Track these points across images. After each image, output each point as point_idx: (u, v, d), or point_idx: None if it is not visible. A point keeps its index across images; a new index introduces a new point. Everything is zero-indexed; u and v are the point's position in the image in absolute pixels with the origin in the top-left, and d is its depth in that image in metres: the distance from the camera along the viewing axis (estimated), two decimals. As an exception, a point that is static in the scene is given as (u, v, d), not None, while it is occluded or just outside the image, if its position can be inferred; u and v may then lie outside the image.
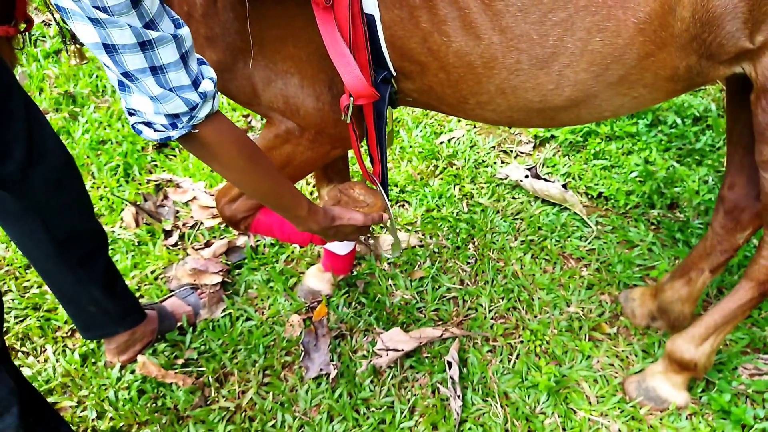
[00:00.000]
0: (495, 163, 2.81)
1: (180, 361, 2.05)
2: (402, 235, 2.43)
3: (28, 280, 2.34)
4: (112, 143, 2.95)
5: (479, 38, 1.33)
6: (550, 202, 2.56)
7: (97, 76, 3.39)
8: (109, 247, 2.28)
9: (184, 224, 2.57)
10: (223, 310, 2.21)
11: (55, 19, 1.42)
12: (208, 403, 1.94)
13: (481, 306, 2.18)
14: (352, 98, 1.38)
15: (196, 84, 1.06)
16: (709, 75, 1.36)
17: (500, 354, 2.03)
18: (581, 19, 1.27)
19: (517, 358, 2.02)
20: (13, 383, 1.33)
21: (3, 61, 1.37)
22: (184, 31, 1.02)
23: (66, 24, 1.25)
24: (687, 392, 1.84)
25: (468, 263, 2.34)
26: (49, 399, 1.94)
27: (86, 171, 2.80)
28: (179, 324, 2.15)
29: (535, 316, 2.13)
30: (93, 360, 2.06)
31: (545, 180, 2.63)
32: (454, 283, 2.26)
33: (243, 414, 1.91)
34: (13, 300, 2.25)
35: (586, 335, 2.07)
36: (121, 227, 2.55)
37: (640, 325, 2.07)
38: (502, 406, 1.88)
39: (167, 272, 2.36)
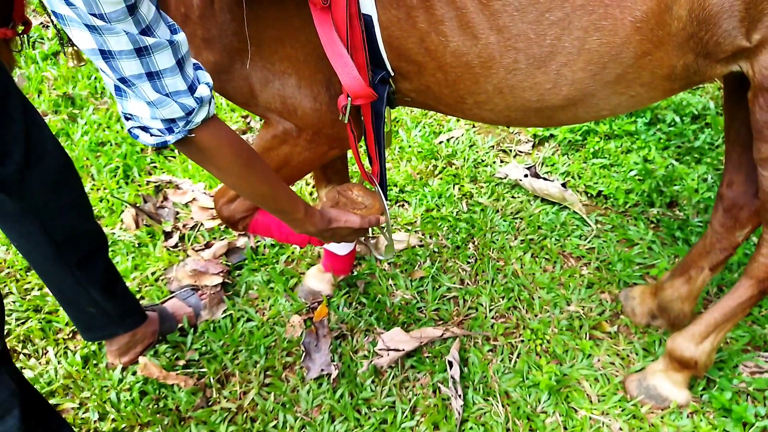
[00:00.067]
0: (494, 162, 2.81)
1: (181, 363, 2.05)
2: (402, 235, 2.44)
3: (29, 283, 2.34)
4: (111, 145, 2.95)
5: (476, 38, 1.33)
6: (550, 201, 2.56)
7: (95, 78, 3.40)
8: (110, 249, 2.28)
9: (184, 225, 2.57)
10: (224, 311, 2.21)
11: (52, 21, 1.42)
12: (210, 404, 1.95)
13: (482, 305, 2.18)
14: (349, 98, 1.39)
15: (192, 89, 1.06)
16: (707, 73, 1.36)
17: (501, 353, 2.03)
18: (578, 18, 1.27)
19: (517, 357, 2.02)
20: (14, 385, 1.33)
21: (1, 64, 1.37)
22: (180, 37, 1.02)
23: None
24: (688, 390, 1.84)
25: (468, 263, 2.34)
26: (51, 401, 1.95)
27: (86, 173, 2.80)
28: (180, 325, 2.15)
29: (536, 315, 2.14)
30: (94, 362, 2.06)
31: (544, 179, 2.63)
32: (454, 283, 2.26)
33: (244, 415, 1.91)
34: (14, 302, 2.25)
35: (586, 334, 2.07)
36: (121, 229, 2.55)
37: (641, 324, 2.07)
38: (503, 406, 1.88)
39: (168, 274, 2.36)
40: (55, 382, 2.00)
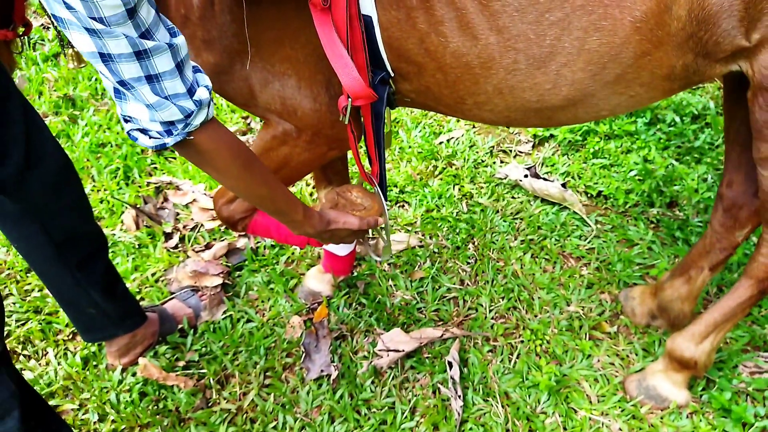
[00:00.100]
0: (494, 162, 2.81)
1: (181, 364, 2.05)
2: (402, 236, 2.44)
3: (29, 284, 2.34)
4: (111, 146, 2.95)
5: (476, 38, 1.33)
6: (550, 202, 2.56)
7: (96, 79, 3.40)
8: (110, 250, 2.29)
9: (184, 226, 2.57)
10: (224, 312, 2.21)
11: (53, 22, 1.42)
12: (210, 405, 1.95)
13: (482, 306, 2.18)
14: (350, 99, 1.39)
15: (191, 92, 1.07)
16: (706, 73, 1.36)
17: (501, 354, 2.03)
18: (578, 18, 1.27)
19: (517, 357, 2.02)
20: (14, 386, 1.34)
21: (1, 65, 1.37)
22: (180, 40, 1.03)
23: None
24: (687, 391, 1.84)
25: (468, 263, 2.34)
26: (51, 402, 1.95)
27: (86, 174, 2.80)
28: (180, 326, 2.15)
29: (536, 316, 2.14)
30: (94, 363, 2.06)
31: (544, 179, 2.63)
32: (454, 284, 2.26)
33: (244, 416, 1.91)
34: (14, 303, 2.25)
35: (586, 334, 2.07)
36: (121, 230, 2.55)
37: (640, 324, 2.07)
38: (502, 406, 1.88)
39: (168, 275, 2.36)
40: (54, 384, 2.00)
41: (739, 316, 1.70)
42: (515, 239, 2.42)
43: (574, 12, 1.26)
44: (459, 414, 1.84)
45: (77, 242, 1.73)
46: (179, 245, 2.50)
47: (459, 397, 1.88)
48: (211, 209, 2.60)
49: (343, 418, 1.87)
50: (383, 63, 1.42)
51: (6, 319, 2.20)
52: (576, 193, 2.60)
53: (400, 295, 2.23)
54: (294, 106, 1.49)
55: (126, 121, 1.09)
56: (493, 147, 2.90)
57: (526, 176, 2.64)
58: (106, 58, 0.95)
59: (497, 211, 2.55)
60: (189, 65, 1.08)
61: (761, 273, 1.61)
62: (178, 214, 2.64)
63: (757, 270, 1.61)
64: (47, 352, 2.11)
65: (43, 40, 3.72)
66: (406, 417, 1.87)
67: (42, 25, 3.83)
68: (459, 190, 2.66)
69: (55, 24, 1.07)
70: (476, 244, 2.42)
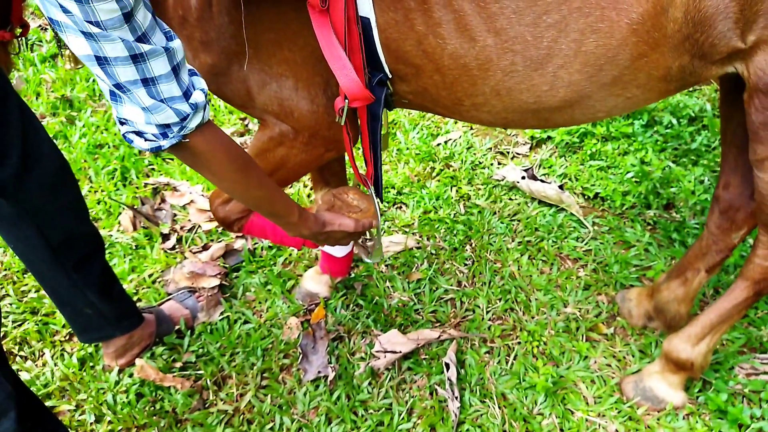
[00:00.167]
0: (492, 164, 2.81)
1: (178, 365, 2.05)
2: (399, 237, 2.44)
3: (26, 285, 2.34)
4: (109, 147, 2.95)
5: (474, 40, 1.33)
6: (547, 203, 2.57)
7: (93, 81, 3.39)
8: (107, 251, 2.28)
9: (181, 227, 2.57)
10: (221, 313, 2.21)
11: (50, 24, 1.42)
12: (207, 406, 1.95)
13: (479, 307, 2.18)
14: (347, 100, 1.39)
15: (187, 95, 1.07)
16: (702, 75, 1.37)
17: (498, 355, 2.03)
18: (575, 20, 1.27)
19: (514, 359, 2.02)
20: (11, 387, 1.33)
21: (-1, 66, 1.37)
22: (176, 43, 1.03)
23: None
24: (684, 392, 1.84)
25: (465, 265, 2.35)
26: (48, 403, 1.94)
27: (83, 175, 2.80)
28: (177, 327, 2.15)
29: (533, 317, 2.14)
30: (91, 364, 2.06)
31: (542, 181, 2.63)
32: (451, 285, 2.27)
33: (241, 417, 1.91)
34: (11, 304, 2.25)
35: (583, 336, 2.07)
36: (118, 231, 2.55)
37: (637, 326, 2.07)
38: (499, 407, 1.88)
39: (165, 276, 2.36)
40: (51, 384, 2.00)
41: (735, 318, 1.70)
42: (512, 241, 2.43)
43: (571, 14, 1.27)
44: (456, 415, 1.84)
45: (74, 243, 1.72)
46: (176, 246, 2.50)
47: (456, 398, 1.88)
48: (209, 210, 2.60)
49: (340, 419, 1.87)
50: (381, 64, 1.42)
51: (3, 320, 2.20)
52: (573, 194, 2.60)
53: (397, 296, 2.24)
54: (291, 107, 1.50)
55: (122, 123, 1.09)
56: (490, 149, 2.91)
57: (523, 178, 2.65)
58: (102, 61, 0.95)
59: (494, 213, 2.55)
60: (185, 68, 1.08)
61: (757, 275, 1.61)
62: (175, 215, 2.63)
63: (753, 272, 1.62)
64: (44, 353, 2.10)
65: (40, 41, 3.71)
66: (403, 418, 1.87)
67: (40, 26, 3.83)
68: (456, 191, 2.67)
69: (53, 26, 1.07)
70: (473, 245, 2.42)
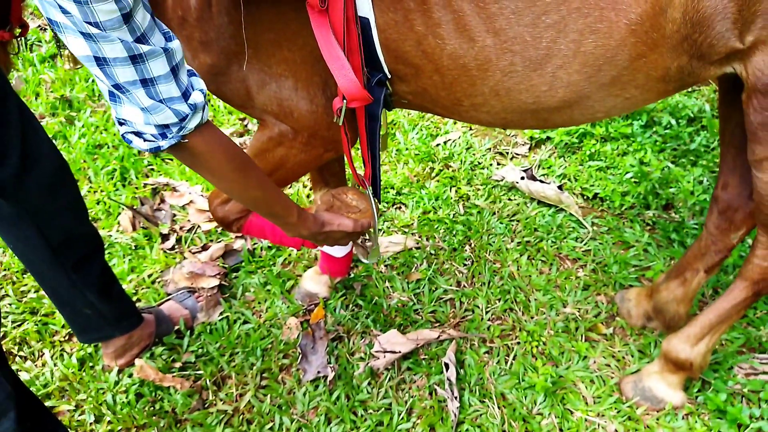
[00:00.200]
0: (491, 165, 2.81)
1: (177, 365, 2.05)
2: (399, 238, 2.44)
3: (26, 285, 2.34)
4: (108, 147, 2.95)
5: (473, 41, 1.34)
6: (546, 204, 2.57)
7: (92, 81, 3.40)
8: (106, 251, 2.29)
9: (181, 228, 2.57)
10: (221, 314, 2.21)
11: (49, 25, 1.42)
12: (206, 406, 1.95)
13: (478, 307, 2.18)
14: (345, 101, 1.39)
15: (186, 95, 1.07)
16: (701, 75, 1.37)
17: (497, 355, 2.03)
18: (574, 20, 1.28)
19: (513, 359, 2.02)
20: (10, 388, 1.33)
21: (-2, 67, 1.37)
22: (175, 44, 1.03)
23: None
24: (683, 392, 1.84)
25: (464, 265, 2.35)
26: (47, 403, 1.94)
27: (83, 175, 2.80)
28: (176, 327, 2.15)
29: (532, 317, 2.14)
30: (91, 364, 2.06)
31: (541, 181, 2.64)
32: (450, 285, 2.27)
33: (241, 417, 1.91)
34: (10, 304, 2.25)
35: (582, 336, 2.07)
36: (118, 231, 2.55)
37: (636, 326, 2.07)
38: (499, 407, 1.89)
39: (164, 276, 2.36)
40: (51, 385, 2.00)
41: (734, 318, 1.71)
42: (512, 241, 2.43)
43: (570, 15, 1.27)
44: (455, 415, 1.84)
45: (73, 244, 1.72)
46: (176, 246, 2.50)
47: (455, 398, 1.88)
48: (208, 210, 2.60)
49: (339, 419, 1.87)
50: (380, 65, 1.42)
51: (2, 320, 2.20)
52: (572, 195, 2.61)
53: (396, 296, 2.24)
54: (291, 107, 1.50)
55: (121, 124, 1.09)
56: (489, 149, 2.91)
57: (522, 178, 2.65)
58: (101, 61, 0.95)
59: (494, 213, 2.55)
60: (184, 69, 1.08)
61: (756, 275, 1.61)
62: (174, 215, 2.63)
63: (752, 272, 1.62)
64: (43, 353, 2.10)
65: (39, 42, 3.71)
66: (402, 418, 1.87)
67: (39, 26, 3.83)
68: (456, 192, 2.67)
69: (52, 26, 1.08)
70: (473, 245, 2.42)
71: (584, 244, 2.39)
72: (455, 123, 3.06)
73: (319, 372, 1.98)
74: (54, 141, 2.19)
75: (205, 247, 2.47)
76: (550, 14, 1.28)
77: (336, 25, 1.29)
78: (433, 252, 2.40)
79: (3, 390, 1.32)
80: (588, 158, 2.77)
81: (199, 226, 2.57)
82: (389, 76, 1.46)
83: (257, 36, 1.40)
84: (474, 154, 2.86)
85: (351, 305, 2.21)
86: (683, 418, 1.83)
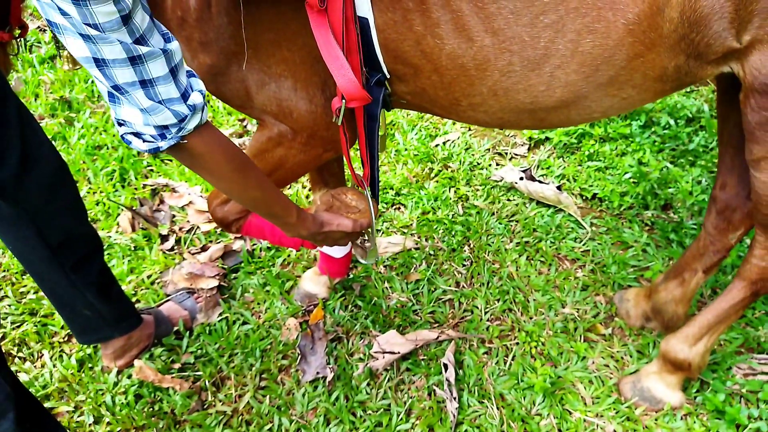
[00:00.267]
0: (490, 165, 2.82)
1: (177, 366, 2.05)
2: (398, 238, 2.44)
3: (25, 286, 2.34)
4: (108, 148, 2.95)
5: (472, 40, 1.34)
6: (545, 204, 2.57)
7: (92, 82, 3.40)
8: (105, 252, 2.28)
9: (180, 228, 2.57)
10: (220, 314, 2.21)
11: (49, 26, 1.42)
12: (205, 407, 1.95)
13: (477, 308, 2.18)
14: (344, 101, 1.39)
15: (185, 96, 1.08)
16: (698, 75, 1.37)
17: (496, 356, 2.03)
18: (572, 20, 1.28)
19: (512, 359, 2.02)
20: (9, 389, 1.33)
21: (-2, 68, 1.38)
22: (174, 45, 1.04)
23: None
24: (682, 392, 1.85)
25: (463, 265, 2.35)
26: (46, 404, 1.94)
27: (82, 176, 2.80)
28: (176, 328, 2.15)
29: (531, 318, 2.14)
30: (90, 365, 2.06)
31: (540, 182, 2.64)
32: (449, 286, 2.27)
33: (240, 418, 1.91)
34: (9, 306, 2.25)
35: (581, 336, 2.07)
36: (117, 232, 2.55)
37: (635, 326, 2.07)
38: (498, 408, 1.89)
39: (164, 277, 2.36)
40: (50, 386, 2.00)
41: (732, 318, 1.71)
42: (510, 241, 2.43)
43: (568, 15, 1.27)
44: (454, 416, 1.84)
45: (72, 244, 1.73)
46: (175, 247, 2.50)
47: (454, 399, 1.88)
48: (207, 211, 2.60)
49: (338, 420, 1.87)
50: (379, 65, 1.43)
51: (2, 322, 2.20)
52: (571, 195, 2.61)
53: (395, 297, 2.24)
54: (290, 107, 1.50)
55: (120, 124, 1.10)
56: (488, 150, 2.91)
57: (521, 179, 2.65)
58: (100, 63, 0.96)
59: (493, 214, 2.55)
60: (183, 70, 1.08)
61: (754, 275, 1.61)
62: (174, 216, 2.64)
63: (750, 272, 1.62)
64: (42, 354, 2.10)
65: (39, 43, 3.72)
66: (401, 419, 1.87)
67: (38, 27, 3.83)
68: (455, 192, 2.67)
69: (51, 28, 1.08)
70: (472, 246, 2.42)
71: (583, 245, 2.39)
72: (454, 124, 3.07)
73: (318, 373, 1.98)
74: (53, 142, 2.19)
75: (204, 248, 2.47)
76: (548, 14, 1.28)
77: (335, 25, 1.30)
78: (432, 252, 2.40)
79: (2, 391, 1.32)
80: (587, 158, 2.77)
81: (198, 227, 2.57)
82: (388, 76, 1.47)
83: (257, 36, 1.41)
84: (473, 155, 2.87)
85: (350, 306, 2.21)
86: (682, 418, 1.83)
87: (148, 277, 2.36)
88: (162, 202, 2.70)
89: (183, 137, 1.11)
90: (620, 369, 1.97)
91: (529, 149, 2.92)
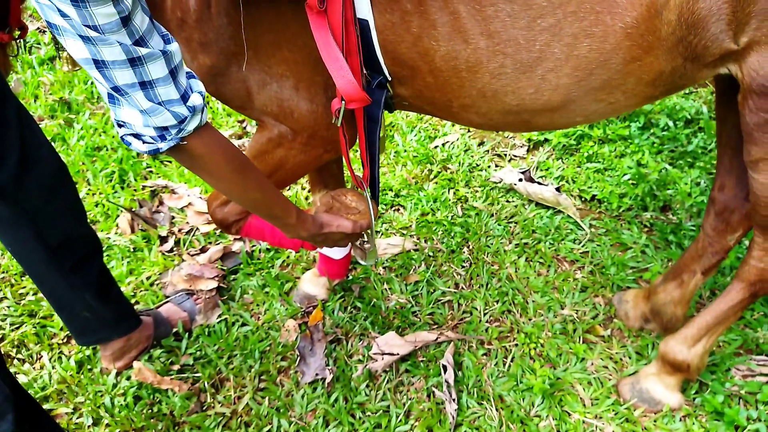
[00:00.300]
0: (489, 166, 2.82)
1: (176, 367, 2.05)
2: (397, 240, 2.44)
3: (24, 287, 2.34)
4: (107, 150, 2.95)
5: (467, 42, 1.34)
6: (544, 206, 2.58)
7: (91, 83, 3.40)
8: (105, 254, 2.29)
9: (179, 230, 2.58)
10: (219, 316, 2.21)
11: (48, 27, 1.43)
12: (204, 408, 1.95)
13: (476, 309, 2.18)
14: (343, 102, 1.40)
15: (185, 98, 1.08)
16: (694, 77, 1.37)
17: (495, 357, 2.03)
18: (569, 24, 1.28)
19: (511, 361, 2.02)
20: (8, 390, 1.33)
21: (-3, 69, 1.38)
22: (173, 47, 1.04)
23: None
24: (680, 394, 1.85)
25: (463, 267, 2.35)
26: (45, 406, 1.94)
27: (81, 177, 2.80)
28: (175, 330, 2.15)
29: (530, 319, 2.14)
30: (89, 366, 2.06)
31: (539, 183, 2.64)
32: (449, 287, 2.27)
33: (239, 419, 1.91)
34: (8, 307, 2.25)
35: (580, 338, 2.07)
36: (116, 233, 2.55)
37: (634, 327, 2.08)
38: (497, 410, 1.89)
39: (163, 278, 2.36)
40: (49, 387, 2.00)
41: (731, 320, 1.71)
42: (510, 243, 2.43)
43: (566, 18, 1.28)
44: (453, 417, 1.84)
45: (71, 245, 1.73)
46: (174, 249, 2.50)
47: (453, 400, 1.88)
48: (207, 213, 2.60)
49: (337, 421, 1.87)
50: (380, 67, 1.43)
51: (0, 323, 2.20)
52: (570, 197, 2.61)
53: (395, 298, 2.24)
54: (291, 107, 1.50)
55: (119, 126, 1.10)
56: (488, 151, 2.92)
57: (520, 180, 2.66)
58: (100, 64, 0.96)
59: (492, 215, 2.56)
60: (183, 71, 1.09)
61: (753, 276, 1.62)
62: (173, 217, 2.64)
63: (749, 273, 1.62)
64: (41, 356, 2.10)
65: (39, 44, 3.72)
66: (400, 420, 1.87)
67: (38, 28, 3.83)
68: (454, 193, 2.67)
69: (51, 29, 1.08)
70: (471, 247, 2.42)
71: (582, 246, 2.39)
72: (453, 125, 3.07)
73: (317, 374, 1.98)
74: (53, 143, 2.19)
75: (203, 250, 2.47)
76: (546, 17, 1.28)
77: (335, 27, 1.30)
78: (431, 254, 2.40)
79: (1, 393, 1.32)
80: (586, 160, 2.77)
81: (197, 229, 2.57)
82: (389, 79, 1.47)
83: (257, 37, 1.41)
84: (472, 156, 2.87)
85: (349, 307, 2.22)
86: (681, 419, 1.83)
87: (147, 278, 2.36)
88: (161, 203, 2.70)
89: (183, 138, 1.11)
90: (619, 370, 1.98)
91: (528, 151, 2.92)
